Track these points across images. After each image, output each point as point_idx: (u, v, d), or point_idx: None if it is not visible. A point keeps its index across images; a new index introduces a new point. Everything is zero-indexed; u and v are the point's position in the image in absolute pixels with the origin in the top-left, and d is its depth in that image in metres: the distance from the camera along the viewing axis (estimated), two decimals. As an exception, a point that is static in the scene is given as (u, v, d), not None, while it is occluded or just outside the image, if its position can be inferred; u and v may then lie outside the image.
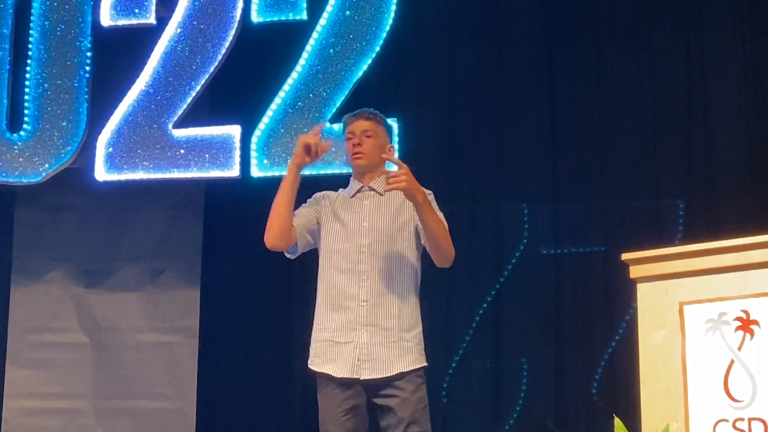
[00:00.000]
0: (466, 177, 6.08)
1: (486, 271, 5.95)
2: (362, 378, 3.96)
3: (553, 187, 5.96)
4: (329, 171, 5.69)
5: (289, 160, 5.76)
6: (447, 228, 4.07)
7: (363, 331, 3.98)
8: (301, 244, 4.15)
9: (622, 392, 5.38)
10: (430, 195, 4.12)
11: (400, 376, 3.97)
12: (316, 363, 4.04)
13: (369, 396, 3.99)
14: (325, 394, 4.00)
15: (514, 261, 5.91)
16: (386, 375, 3.96)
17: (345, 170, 5.64)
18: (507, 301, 5.90)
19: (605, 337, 5.72)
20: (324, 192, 4.27)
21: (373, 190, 4.17)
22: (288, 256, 4.21)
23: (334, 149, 5.76)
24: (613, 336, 5.69)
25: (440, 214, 4.10)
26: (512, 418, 5.82)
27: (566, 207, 5.93)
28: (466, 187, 6.06)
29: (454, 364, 5.90)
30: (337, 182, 4.45)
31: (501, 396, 5.86)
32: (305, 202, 4.23)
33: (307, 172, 5.64)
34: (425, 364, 4.05)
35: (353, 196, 4.19)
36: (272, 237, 4.10)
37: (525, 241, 5.93)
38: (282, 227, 4.08)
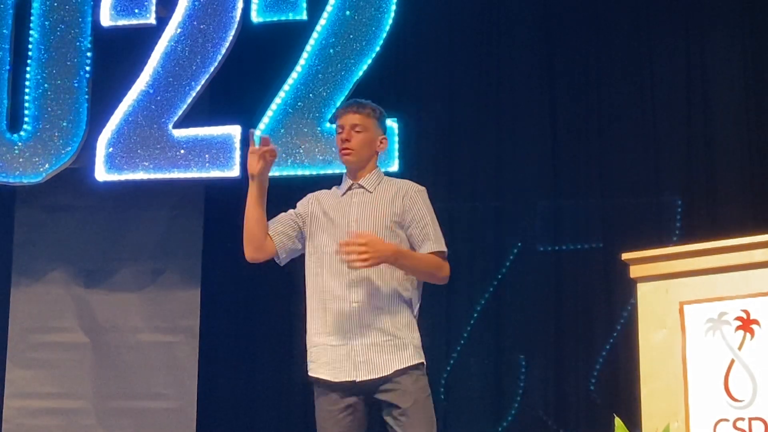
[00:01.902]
0: (466, 175, 6.09)
1: (485, 268, 5.96)
2: (359, 380, 3.91)
3: (552, 185, 5.97)
4: (329, 171, 5.69)
5: (290, 161, 5.84)
6: (431, 260, 3.97)
7: (356, 332, 3.91)
8: (283, 252, 4.08)
9: (619, 388, 5.40)
10: (423, 192, 4.07)
11: (398, 373, 3.91)
12: (313, 368, 3.98)
13: (368, 394, 3.94)
14: (322, 395, 3.96)
15: (512, 258, 5.91)
16: (383, 374, 3.91)
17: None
18: (505, 297, 5.91)
19: (603, 333, 5.73)
20: (315, 193, 4.18)
21: (363, 187, 4.07)
22: (278, 262, 4.15)
23: (334, 149, 5.76)
24: (611, 333, 5.70)
25: (430, 212, 4.03)
26: (510, 414, 5.83)
27: (565, 204, 5.94)
28: (465, 185, 6.07)
29: (452, 361, 5.91)
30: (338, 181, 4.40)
31: (499, 392, 5.87)
32: (294, 206, 4.17)
33: (307, 172, 5.63)
34: (422, 360, 3.98)
35: (344, 194, 4.09)
36: (247, 251, 4.06)
37: (523, 237, 5.94)
38: (254, 242, 4.03)
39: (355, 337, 3.92)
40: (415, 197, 4.06)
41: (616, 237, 5.63)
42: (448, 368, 5.90)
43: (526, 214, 5.96)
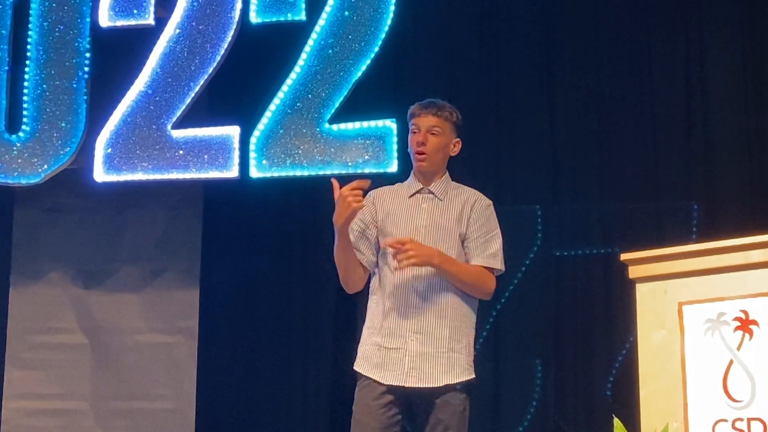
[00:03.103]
0: (465, 178, 6.06)
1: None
2: (407, 386, 3.88)
3: (552, 189, 5.96)
4: (328, 171, 5.69)
5: (288, 161, 5.82)
6: (475, 270, 3.95)
7: (413, 338, 3.89)
8: (373, 270, 4.06)
9: (635, 394, 5.36)
10: (490, 207, 4.05)
11: (448, 388, 3.89)
12: (363, 366, 3.95)
13: (409, 400, 3.91)
14: (364, 387, 3.92)
15: (528, 263, 5.89)
16: (432, 386, 3.89)
17: (351, 171, 5.65)
18: (521, 302, 5.88)
19: (620, 338, 5.69)
20: (376, 192, 4.09)
21: (433, 193, 4.04)
22: None
23: (333, 150, 5.77)
24: (627, 338, 5.65)
25: (494, 230, 4.01)
26: (526, 419, 5.81)
27: (578, 209, 5.92)
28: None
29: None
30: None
31: (515, 397, 5.85)
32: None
33: (306, 173, 5.58)
34: (473, 376, 3.96)
35: (412, 195, 4.05)
36: (351, 288, 4.05)
37: (539, 242, 5.93)
38: (356, 282, 4.02)
39: (412, 344, 3.89)
40: (482, 212, 4.04)
41: (633, 241, 5.60)
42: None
43: (544, 218, 5.94)
